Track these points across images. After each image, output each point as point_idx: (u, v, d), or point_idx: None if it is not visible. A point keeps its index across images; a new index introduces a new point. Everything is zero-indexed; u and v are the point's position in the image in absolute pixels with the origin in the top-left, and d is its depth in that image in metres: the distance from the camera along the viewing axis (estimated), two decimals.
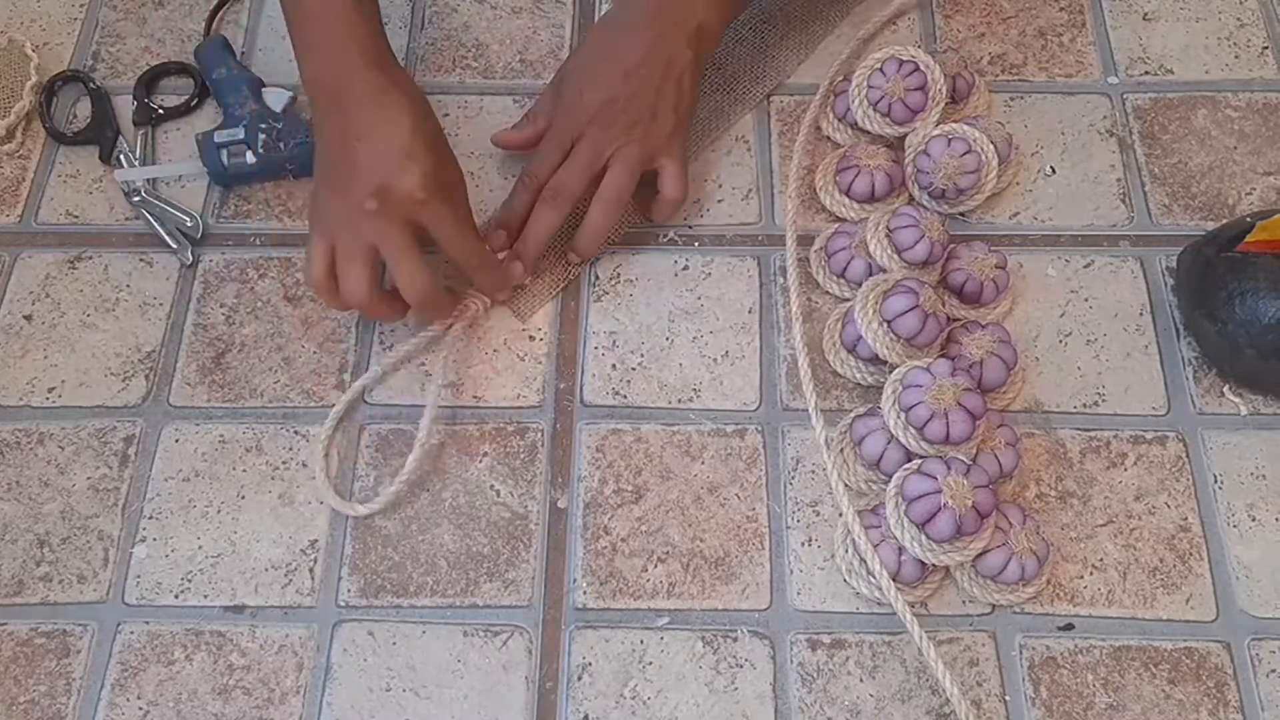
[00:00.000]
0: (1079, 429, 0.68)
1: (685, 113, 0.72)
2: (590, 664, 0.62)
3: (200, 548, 0.65)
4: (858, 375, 0.69)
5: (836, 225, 0.74)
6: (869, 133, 0.76)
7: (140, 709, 0.61)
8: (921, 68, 0.74)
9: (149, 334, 0.72)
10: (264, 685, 0.62)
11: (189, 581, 0.64)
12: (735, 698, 0.61)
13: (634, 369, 0.70)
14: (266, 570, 0.65)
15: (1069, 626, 0.63)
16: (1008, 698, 0.61)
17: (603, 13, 0.85)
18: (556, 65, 0.81)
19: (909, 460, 0.63)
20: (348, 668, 0.62)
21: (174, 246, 0.74)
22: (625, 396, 0.70)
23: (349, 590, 0.64)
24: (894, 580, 0.61)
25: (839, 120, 0.78)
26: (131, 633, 0.63)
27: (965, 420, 0.61)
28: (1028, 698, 0.61)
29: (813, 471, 0.67)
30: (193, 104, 0.80)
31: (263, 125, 0.76)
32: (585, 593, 0.64)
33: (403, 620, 0.63)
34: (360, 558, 0.65)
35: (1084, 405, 0.69)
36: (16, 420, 0.69)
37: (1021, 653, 0.62)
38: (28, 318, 0.73)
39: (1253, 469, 0.67)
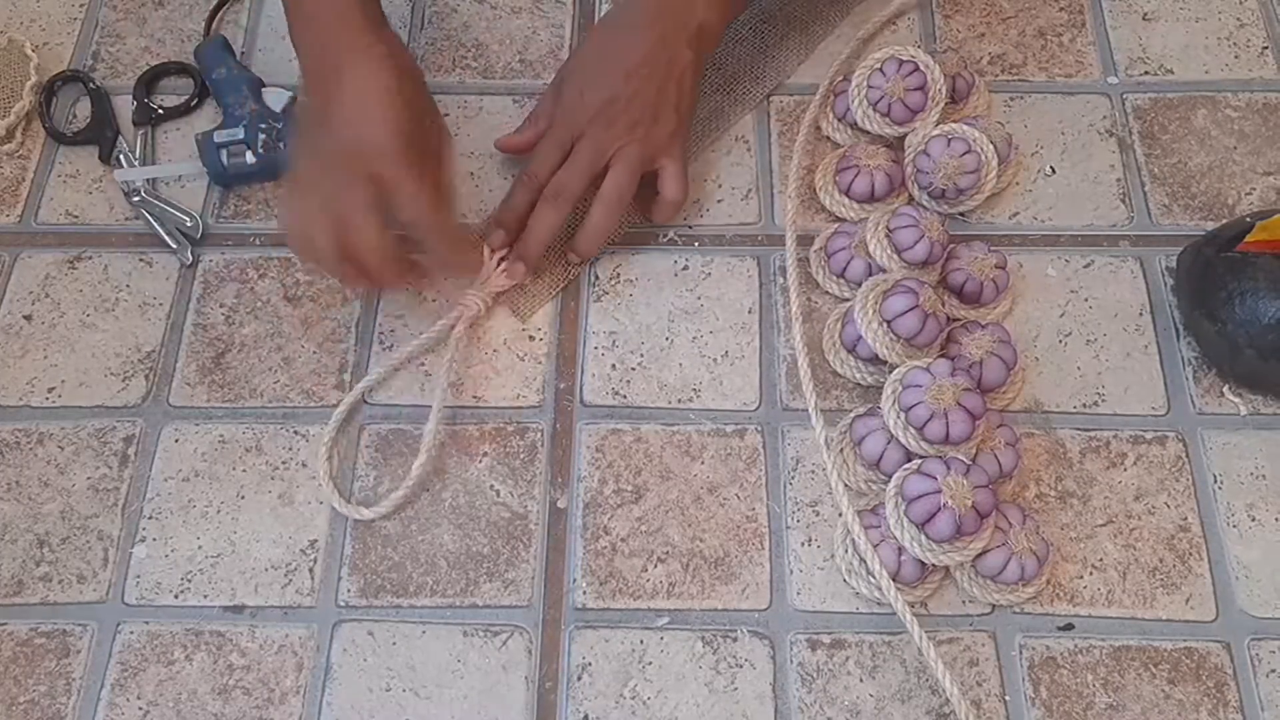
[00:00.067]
0: (1079, 429, 0.68)
1: (686, 113, 0.72)
2: (590, 664, 0.62)
3: (200, 548, 0.65)
4: (858, 375, 0.69)
5: (836, 225, 0.74)
6: (869, 133, 0.76)
7: (140, 709, 0.61)
8: (921, 68, 0.74)
9: (149, 334, 0.72)
10: (264, 685, 0.62)
11: (189, 581, 0.64)
12: (735, 698, 0.61)
13: (634, 369, 0.70)
14: (266, 570, 0.65)
15: (1069, 626, 0.63)
16: (1008, 698, 0.61)
17: (603, 13, 0.85)
18: (556, 65, 0.81)
19: (909, 460, 0.63)
20: (347, 668, 0.62)
21: (174, 246, 0.74)
22: (625, 396, 0.70)
23: (349, 590, 0.64)
24: (894, 580, 0.61)
25: (839, 120, 0.78)
26: (131, 633, 0.63)
27: (965, 420, 0.61)
28: (1027, 698, 0.61)
29: (812, 471, 0.67)
30: (193, 104, 0.80)
31: (263, 125, 0.76)
32: (585, 593, 0.64)
33: (403, 620, 0.63)
34: (360, 558, 0.65)
35: (1084, 405, 0.69)
36: (16, 420, 0.69)
37: (1021, 653, 0.62)
38: (28, 318, 0.73)
39: (1252, 469, 0.67)
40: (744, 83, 0.80)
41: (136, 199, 0.76)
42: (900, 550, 0.61)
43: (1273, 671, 0.62)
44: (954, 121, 0.74)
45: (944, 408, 0.61)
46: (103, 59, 0.83)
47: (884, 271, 0.69)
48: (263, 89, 0.78)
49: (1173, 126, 0.79)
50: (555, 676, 0.62)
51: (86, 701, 0.61)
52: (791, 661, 0.62)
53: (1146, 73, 0.81)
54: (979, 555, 0.61)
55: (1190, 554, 0.65)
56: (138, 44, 0.83)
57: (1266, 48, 0.82)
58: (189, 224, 0.75)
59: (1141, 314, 0.72)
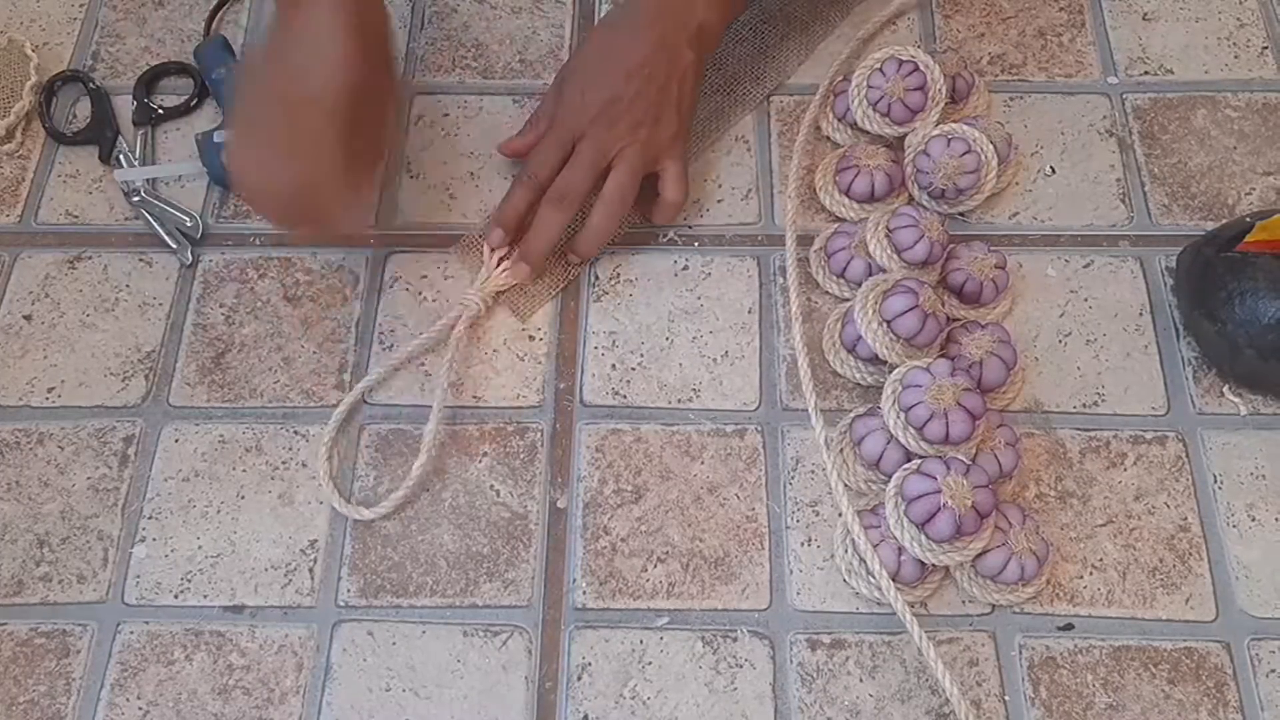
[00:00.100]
0: (1079, 429, 0.68)
1: (687, 114, 0.72)
2: (590, 664, 0.62)
3: (200, 548, 0.65)
4: (857, 375, 0.69)
5: (836, 225, 0.74)
6: (869, 133, 0.76)
7: (140, 709, 0.61)
8: (921, 68, 0.74)
9: (149, 334, 0.72)
10: (264, 685, 0.62)
11: (189, 581, 0.64)
12: (735, 698, 0.61)
13: (634, 369, 0.70)
14: (266, 570, 0.65)
15: (1069, 626, 0.63)
16: (1007, 698, 0.61)
17: (603, 13, 0.85)
18: (556, 65, 0.81)
19: (909, 460, 0.63)
20: (347, 668, 0.62)
21: (174, 246, 0.74)
22: (625, 396, 0.70)
23: (349, 590, 0.64)
24: (894, 580, 0.61)
25: (839, 120, 0.78)
26: (131, 633, 0.63)
27: (965, 420, 0.61)
28: (1027, 698, 0.61)
29: (812, 471, 0.67)
30: (192, 104, 0.80)
31: None
32: (585, 593, 0.64)
33: (402, 620, 0.63)
34: (360, 558, 0.65)
35: (1084, 405, 0.69)
36: (16, 420, 0.69)
37: (1021, 653, 0.62)
38: (27, 318, 0.73)
39: (1252, 469, 0.67)
40: (744, 83, 0.80)
41: (136, 199, 0.76)
42: (900, 550, 0.61)
43: (1273, 671, 0.62)
44: (954, 121, 0.74)
45: (944, 408, 0.61)
46: (103, 59, 0.83)
47: (884, 271, 0.69)
48: None
49: (1172, 126, 0.79)
50: (555, 676, 0.62)
51: (86, 701, 0.61)
52: (791, 661, 0.62)
53: (1146, 73, 0.81)
54: (979, 555, 0.61)
55: (1190, 554, 0.65)
56: (138, 44, 0.83)
57: (1266, 48, 0.82)
58: (189, 224, 0.75)
59: (1141, 314, 0.72)
